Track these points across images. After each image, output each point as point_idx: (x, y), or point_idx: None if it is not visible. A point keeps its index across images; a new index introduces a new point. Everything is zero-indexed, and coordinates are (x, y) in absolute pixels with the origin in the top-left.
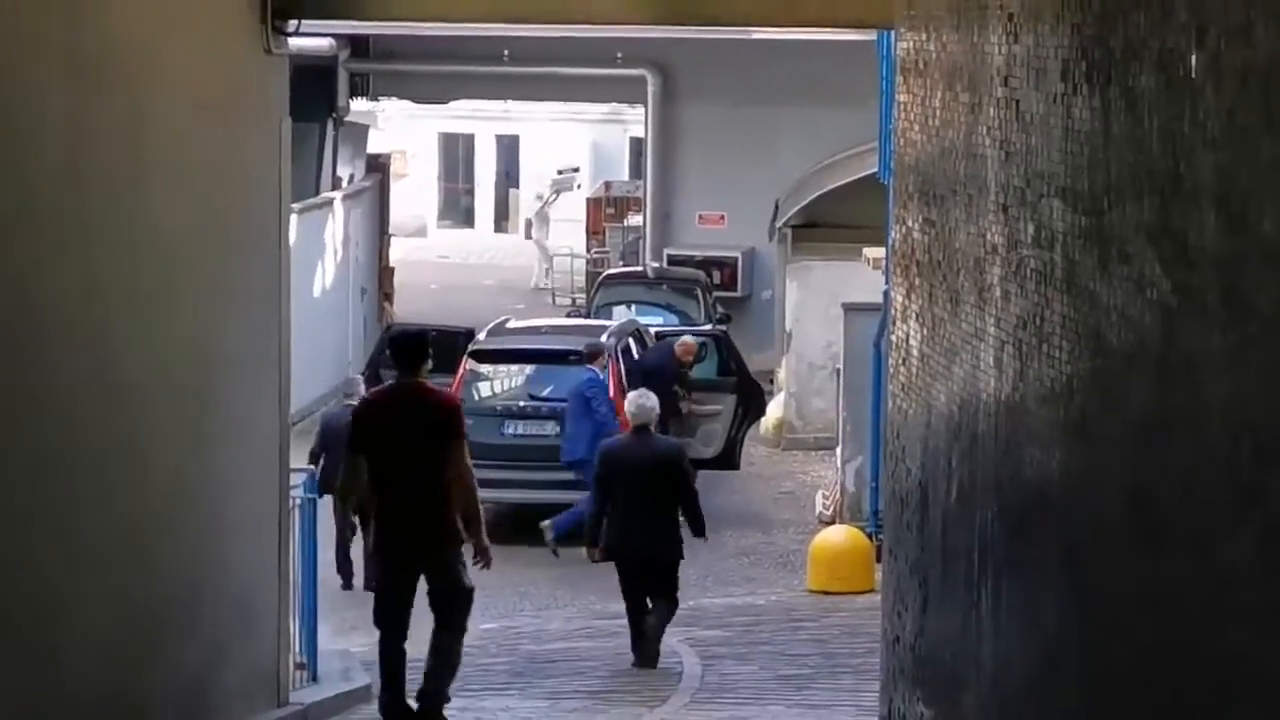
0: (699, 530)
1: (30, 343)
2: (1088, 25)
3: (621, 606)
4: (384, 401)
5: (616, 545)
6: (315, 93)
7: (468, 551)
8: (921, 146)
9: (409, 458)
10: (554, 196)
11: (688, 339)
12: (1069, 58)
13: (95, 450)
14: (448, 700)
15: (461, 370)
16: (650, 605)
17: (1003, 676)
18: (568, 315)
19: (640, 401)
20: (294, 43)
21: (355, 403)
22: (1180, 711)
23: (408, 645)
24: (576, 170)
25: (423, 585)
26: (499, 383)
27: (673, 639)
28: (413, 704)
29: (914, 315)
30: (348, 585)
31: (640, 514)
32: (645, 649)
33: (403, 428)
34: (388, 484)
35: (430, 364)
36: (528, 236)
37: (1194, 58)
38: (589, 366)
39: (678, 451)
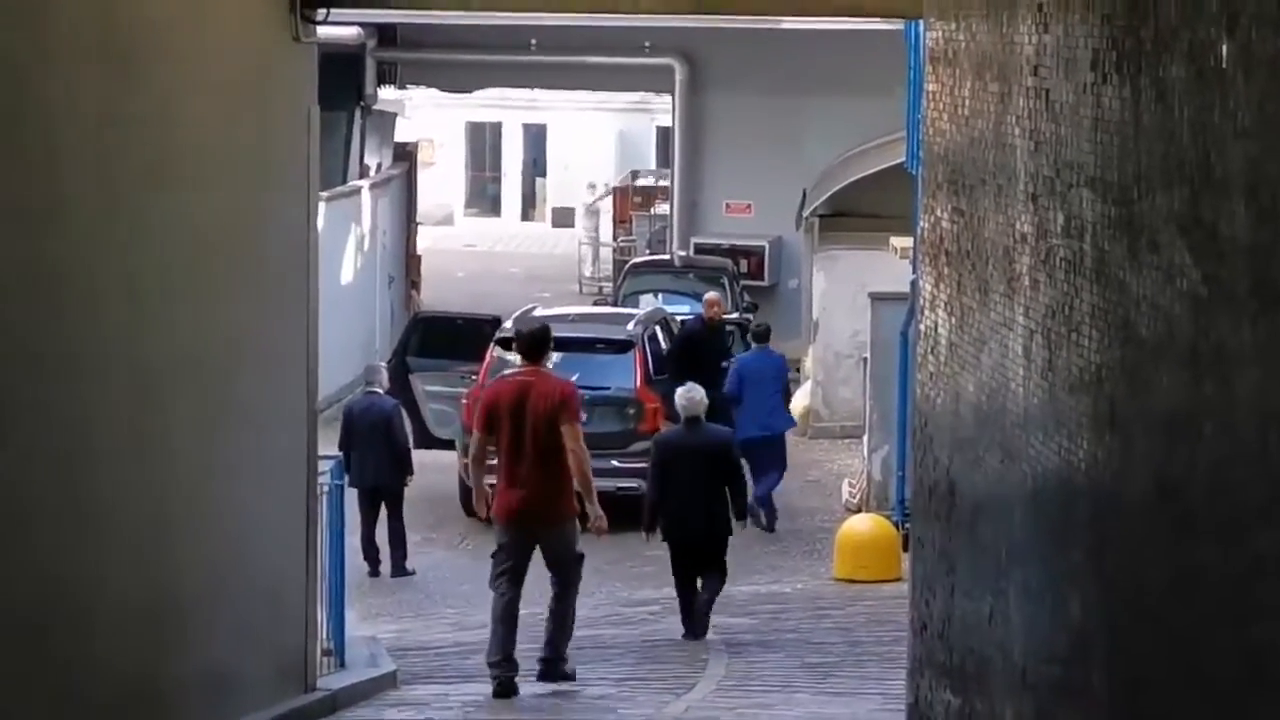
0: (740, 513)
1: (62, 332)
2: (1118, 15)
3: (648, 594)
4: (511, 387)
5: (673, 528)
6: (343, 81)
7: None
8: (951, 136)
9: (531, 437)
10: (606, 193)
11: (710, 294)
12: (1099, 47)
13: (125, 438)
14: (565, 660)
15: (488, 358)
16: (700, 584)
17: (1030, 665)
18: (594, 303)
19: (690, 395)
20: (322, 31)
21: (378, 390)
22: (1208, 702)
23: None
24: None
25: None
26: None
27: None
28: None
29: (943, 304)
30: (374, 572)
31: (695, 499)
32: (696, 622)
33: (526, 410)
34: (511, 460)
35: (552, 354)
36: (556, 225)
37: (1225, 47)
38: (768, 348)
39: (728, 440)
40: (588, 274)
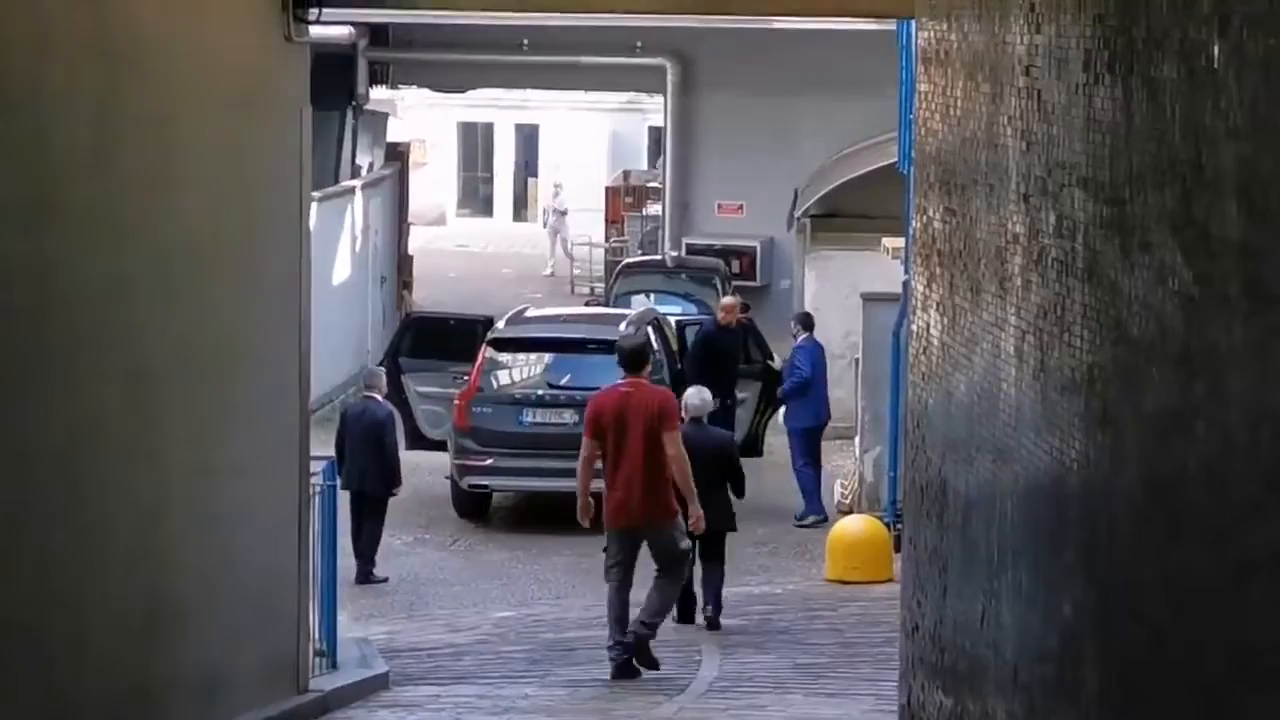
0: (740, 492)
1: (54, 332)
2: (1110, 15)
3: (642, 595)
4: (613, 397)
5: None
6: (335, 81)
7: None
8: (943, 136)
9: (633, 444)
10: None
11: (725, 299)
12: (1091, 48)
13: (117, 438)
14: (651, 635)
15: (480, 358)
16: (703, 576)
17: (1023, 665)
18: (586, 304)
19: (701, 396)
20: (314, 31)
21: (376, 396)
22: (1200, 700)
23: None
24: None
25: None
26: (517, 371)
27: (690, 628)
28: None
29: (935, 305)
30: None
31: (702, 494)
32: (712, 605)
33: (628, 419)
34: (616, 466)
35: (650, 367)
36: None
37: (1216, 48)
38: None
39: (730, 440)
40: (546, 273)
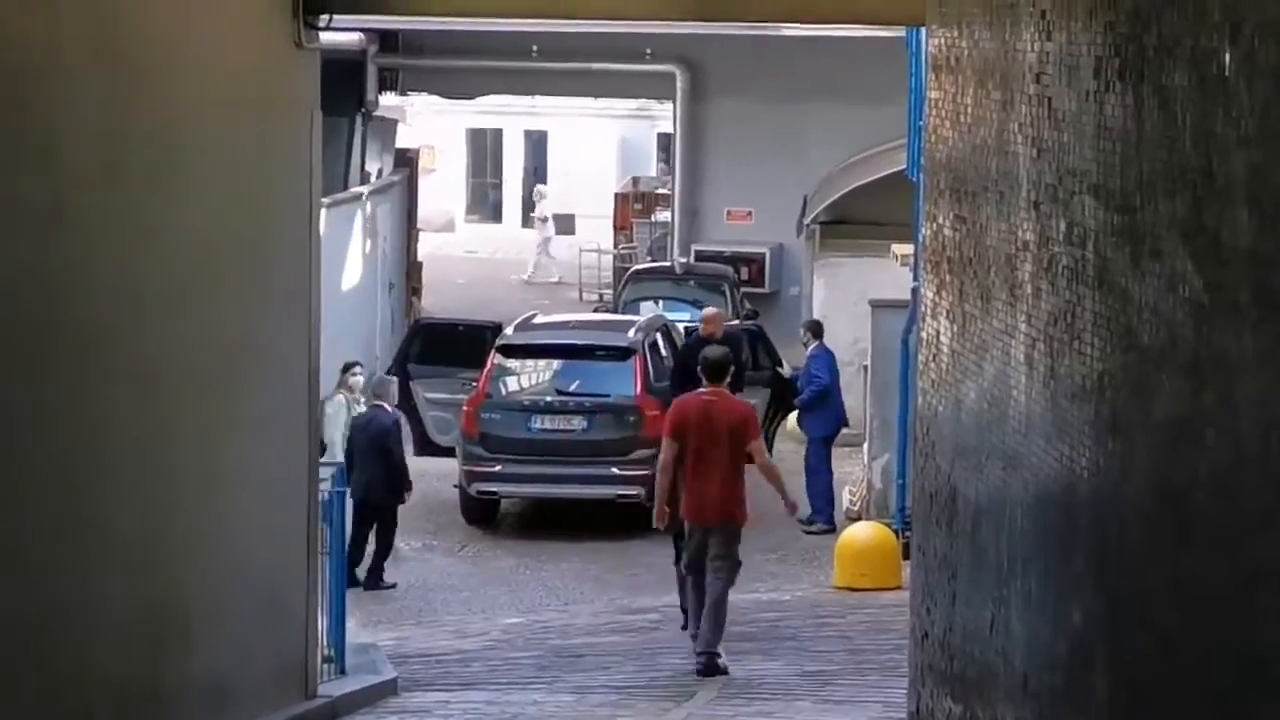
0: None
1: (63, 338)
2: (1121, 22)
3: (648, 601)
4: (698, 403)
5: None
6: (344, 87)
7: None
8: (953, 143)
9: (713, 450)
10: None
11: (706, 310)
12: (1102, 55)
13: (125, 444)
14: (720, 655)
15: (489, 365)
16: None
17: (1032, 673)
18: (595, 310)
19: None
20: (324, 37)
21: (384, 405)
22: (1210, 709)
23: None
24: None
25: None
26: (526, 377)
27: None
28: None
29: (945, 312)
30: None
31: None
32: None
33: (710, 426)
34: (697, 466)
35: (730, 377)
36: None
37: (1227, 55)
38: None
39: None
40: (524, 277)
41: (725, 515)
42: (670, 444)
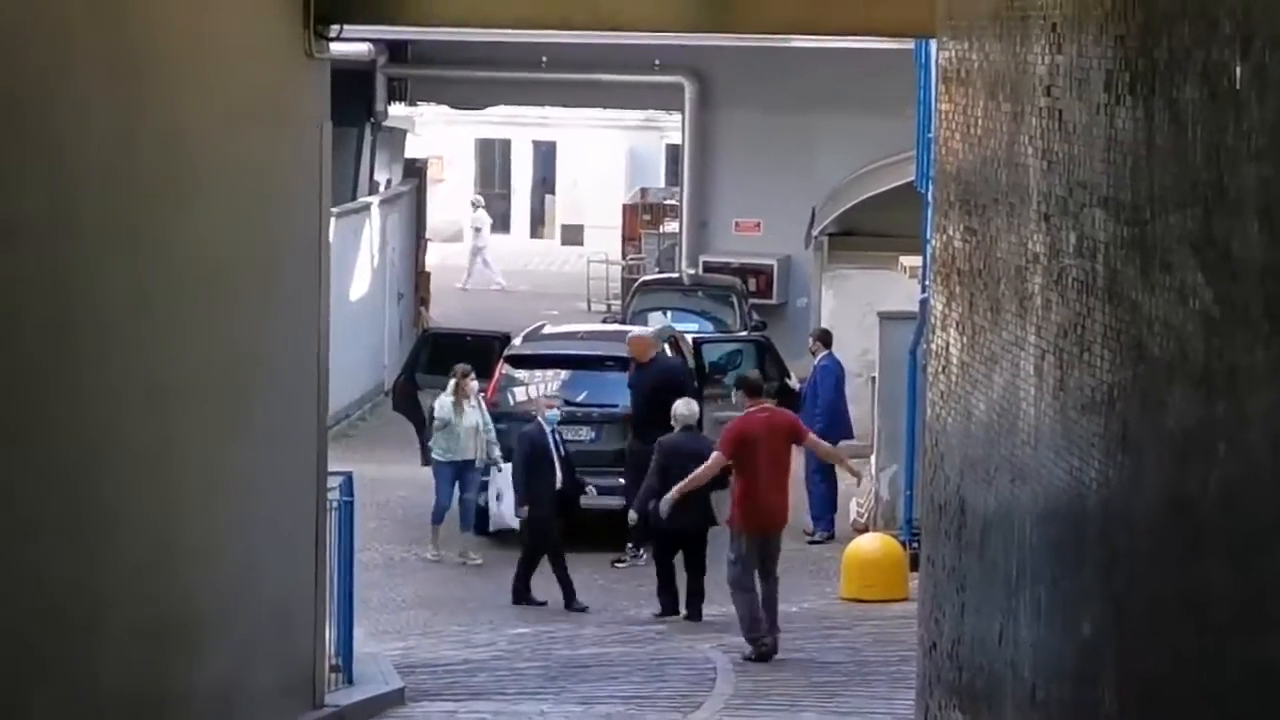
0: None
1: (71, 347)
2: (1131, 36)
3: (652, 613)
4: (759, 419)
5: (671, 518)
6: (354, 98)
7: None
8: (963, 155)
9: (773, 459)
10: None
11: (631, 333)
12: (1112, 68)
13: (134, 452)
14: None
15: (497, 375)
16: (688, 572)
17: (1041, 683)
18: (603, 321)
19: (690, 406)
20: (333, 48)
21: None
22: (1219, 719)
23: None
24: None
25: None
26: (535, 388)
27: (706, 646)
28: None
29: (954, 323)
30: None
31: (698, 493)
32: (696, 606)
33: (772, 437)
34: (759, 477)
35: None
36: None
37: (1238, 69)
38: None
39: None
40: (459, 285)
41: (782, 521)
42: (721, 459)
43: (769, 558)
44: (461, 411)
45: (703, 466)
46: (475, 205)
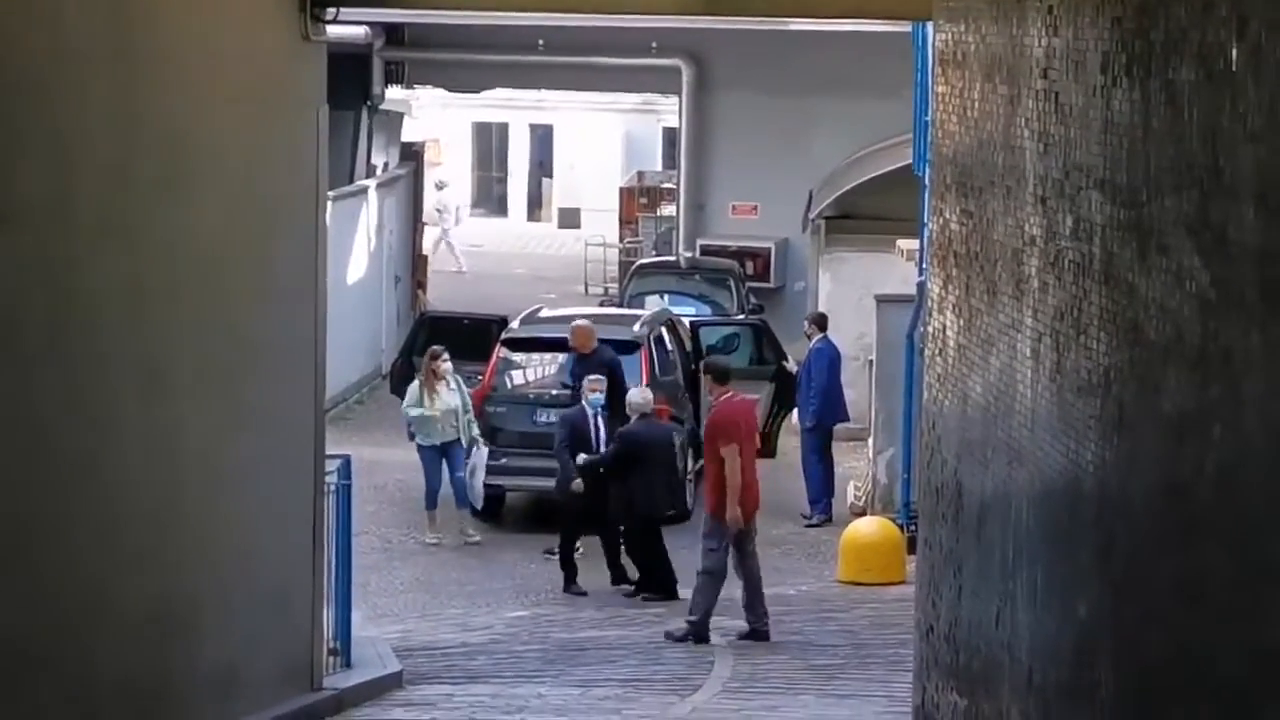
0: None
1: (70, 334)
2: (1128, 18)
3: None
4: (742, 406)
5: (642, 503)
6: (350, 81)
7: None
8: (959, 138)
9: (751, 447)
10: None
11: (577, 321)
12: (1109, 50)
13: (131, 440)
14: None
15: (494, 358)
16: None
17: (1037, 666)
18: (600, 304)
19: (644, 395)
20: (330, 31)
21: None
22: (1215, 704)
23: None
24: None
25: None
26: (531, 371)
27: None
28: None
29: (951, 306)
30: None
31: (659, 479)
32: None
33: (752, 425)
34: (745, 466)
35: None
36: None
37: (1234, 51)
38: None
39: (673, 431)
40: (455, 269)
41: (756, 508)
42: (734, 450)
43: (747, 544)
44: (434, 395)
45: (727, 464)
46: (439, 186)
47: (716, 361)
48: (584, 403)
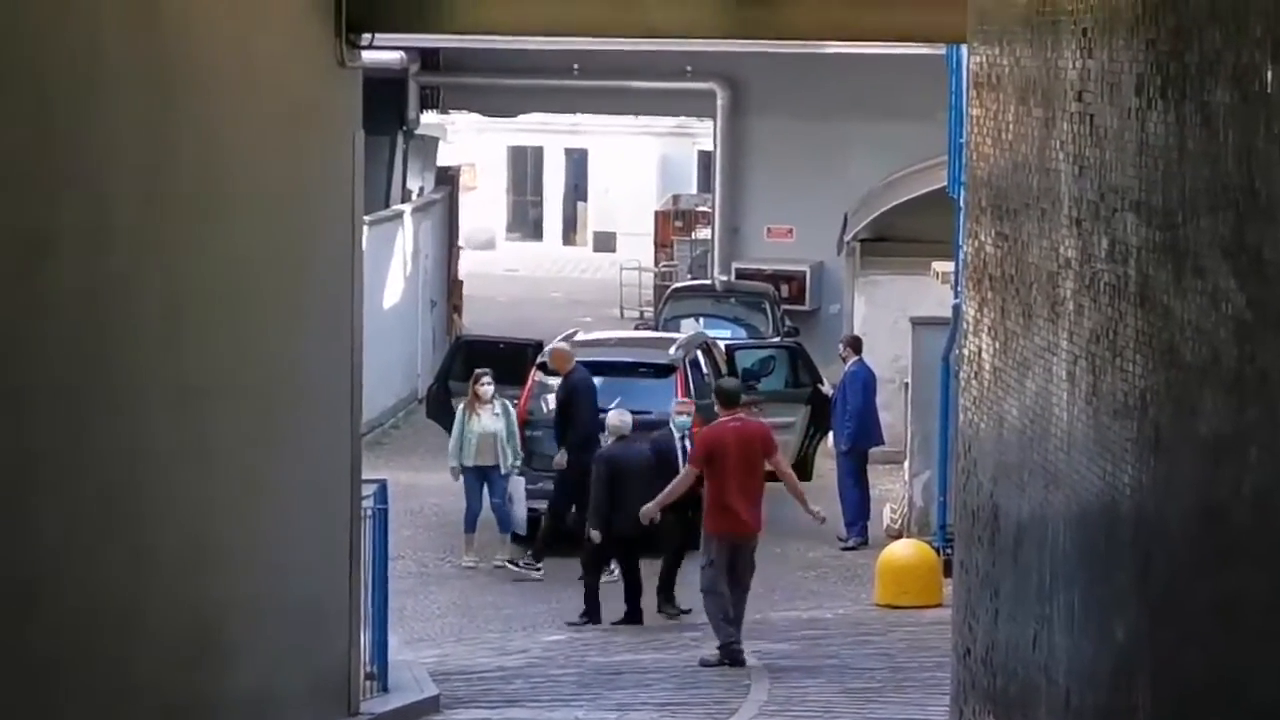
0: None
1: (107, 355)
2: (1162, 40)
3: (688, 619)
4: (728, 429)
5: (623, 524)
6: (386, 106)
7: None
8: (994, 160)
9: (745, 466)
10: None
11: (555, 344)
12: (1143, 72)
13: (169, 461)
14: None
15: (530, 382)
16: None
17: (1075, 689)
18: (635, 327)
19: (622, 417)
20: (366, 56)
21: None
22: None
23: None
24: None
25: None
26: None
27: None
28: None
29: (986, 329)
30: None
31: (638, 500)
32: (637, 607)
33: (742, 446)
34: (729, 484)
35: (739, 407)
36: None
37: (1270, 73)
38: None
39: (651, 453)
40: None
41: (754, 528)
42: (692, 472)
43: (740, 567)
44: (474, 417)
45: (677, 479)
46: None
47: (725, 385)
48: (670, 425)
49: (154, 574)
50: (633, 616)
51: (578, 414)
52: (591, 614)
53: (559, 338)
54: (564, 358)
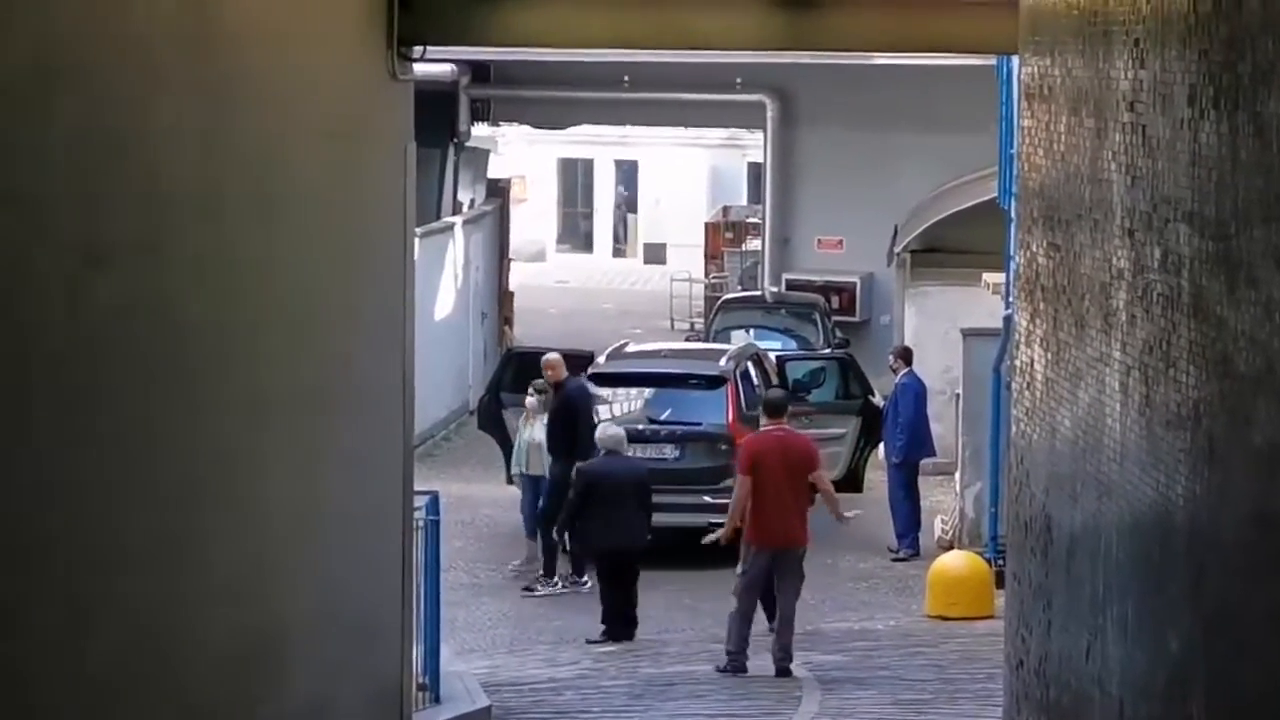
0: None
1: (162, 367)
2: (1215, 50)
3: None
4: (771, 439)
5: (606, 540)
6: (437, 118)
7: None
8: (1046, 171)
9: (787, 478)
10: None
11: (549, 355)
12: (1196, 83)
13: (221, 471)
14: (792, 658)
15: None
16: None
17: (1129, 700)
18: (686, 339)
19: (613, 431)
20: (417, 68)
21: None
22: None
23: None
24: None
25: None
26: (618, 406)
27: (792, 663)
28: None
29: (1038, 340)
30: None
31: (623, 516)
32: (626, 628)
33: (784, 457)
34: (769, 495)
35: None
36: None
37: None
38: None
39: (646, 469)
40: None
41: (796, 539)
42: (745, 481)
43: (783, 573)
44: (527, 427)
45: (735, 493)
46: None
47: (770, 395)
48: None
49: (209, 585)
50: (617, 633)
51: (577, 425)
52: (611, 627)
53: (609, 349)
54: (556, 367)
